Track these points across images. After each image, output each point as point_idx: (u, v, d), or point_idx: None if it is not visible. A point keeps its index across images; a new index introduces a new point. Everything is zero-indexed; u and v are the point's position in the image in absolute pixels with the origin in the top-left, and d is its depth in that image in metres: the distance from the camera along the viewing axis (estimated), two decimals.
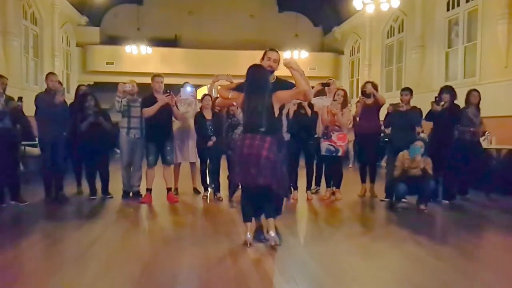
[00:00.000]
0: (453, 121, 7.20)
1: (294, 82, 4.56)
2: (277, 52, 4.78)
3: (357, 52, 18.04)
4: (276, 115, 4.49)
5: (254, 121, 4.42)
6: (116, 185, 7.55)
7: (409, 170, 6.57)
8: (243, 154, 4.42)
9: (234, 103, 4.90)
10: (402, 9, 13.26)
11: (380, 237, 5.18)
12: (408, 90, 7.24)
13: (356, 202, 7.37)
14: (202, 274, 3.87)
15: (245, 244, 4.53)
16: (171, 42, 19.45)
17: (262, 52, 4.74)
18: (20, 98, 6.79)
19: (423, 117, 7.31)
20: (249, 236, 4.57)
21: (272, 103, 4.43)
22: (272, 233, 4.49)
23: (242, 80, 4.65)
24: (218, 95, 4.96)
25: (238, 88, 4.69)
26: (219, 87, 5.17)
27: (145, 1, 19.97)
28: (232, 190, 6.71)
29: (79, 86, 8.32)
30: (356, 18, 16.79)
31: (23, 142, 8.32)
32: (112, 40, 18.90)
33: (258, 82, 4.45)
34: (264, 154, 4.33)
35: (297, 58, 17.43)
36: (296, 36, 18.65)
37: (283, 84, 4.70)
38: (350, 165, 12.11)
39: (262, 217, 4.82)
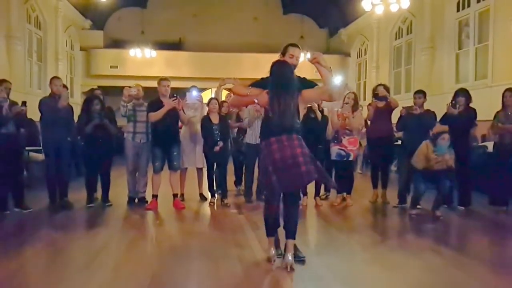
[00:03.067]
0: (469, 124, 7.01)
1: (313, 81, 4.23)
2: (299, 48, 4.32)
3: (364, 54, 17.87)
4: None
5: (285, 123, 3.92)
6: (121, 191, 7.41)
7: (433, 164, 6.20)
8: (275, 160, 3.88)
9: (256, 100, 4.20)
10: (411, 10, 13.08)
11: (397, 246, 5.00)
12: (421, 93, 7.06)
13: (368, 209, 7.19)
14: (212, 284, 3.74)
15: (268, 261, 4.12)
16: (176, 45, 19.36)
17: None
18: (24, 103, 6.68)
19: (437, 120, 7.11)
20: (273, 252, 4.14)
21: (298, 104, 4.02)
22: (290, 257, 3.97)
23: (256, 79, 4.30)
24: (232, 94, 4.45)
25: (255, 85, 4.25)
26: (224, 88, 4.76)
27: (149, 4, 19.93)
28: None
29: (93, 90, 8.17)
30: (363, 19, 16.64)
31: (27, 148, 8.21)
32: (116, 43, 18.83)
33: (288, 79, 4.00)
34: (299, 151, 3.87)
35: (302, 60, 17.25)
36: (302, 38, 18.49)
37: (307, 82, 4.22)
38: (359, 171, 11.87)
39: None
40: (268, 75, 4.12)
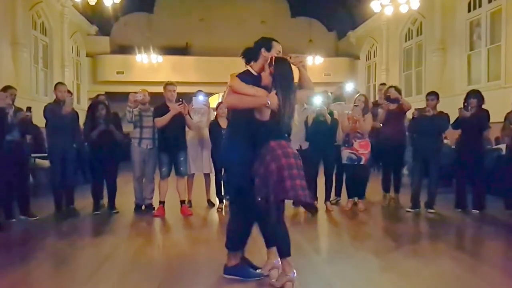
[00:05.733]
0: (482, 126, 6.84)
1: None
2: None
3: (374, 57, 17.75)
4: None
5: (289, 125, 3.73)
6: (128, 198, 7.32)
7: None
8: (283, 166, 3.50)
9: (269, 102, 3.59)
10: (421, 11, 12.94)
11: (412, 252, 4.82)
12: (434, 95, 6.88)
13: (380, 214, 7.06)
14: None
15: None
16: (182, 50, 19.31)
17: None
18: (28, 108, 6.61)
19: (450, 123, 6.93)
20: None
21: None
22: (294, 274, 3.61)
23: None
24: (232, 91, 3.83)
25: (246, 82, 3.76)
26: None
27: (156, 10, 19.90)
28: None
29: (98, 95, 8.09)
30: (372, 21, 16.52)
31: (33, 154, 8.13)
32: (122, 49, 18.78)
33: (293, 79, 3.71)
34: (293, 161, 3.56)
35: (311, 64, 17.17)
36: (310, 42, 18.37)
37: None
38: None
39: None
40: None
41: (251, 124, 3.68)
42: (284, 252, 3.63)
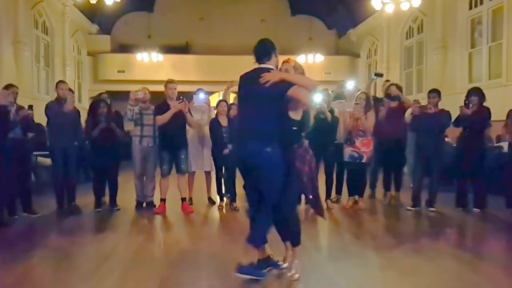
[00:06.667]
0: (483, 123, 6.83)
1: None
2: None
3: (374, 55, 17.71)
4: None
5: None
6: (129, 196, 7.34)
7: None
8: (311, 168, 4.03)
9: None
10: (421, 9, 12.91)
11: (412, 250, 4.82)
12: (436, 92, 6.87)
13: (381, 212, 7.06)
14: None
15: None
16: (183, 49, 19.33)
17: None
18: (30, 107, 6.62)
19: (451, 121, 6.92)
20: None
21: None
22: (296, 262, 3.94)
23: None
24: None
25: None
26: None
27: (156, 9, 19.91)
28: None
29: (100, 94, 8.10)
30: (372, 19, 16.49)
31: (35, 152, 8.15)
32: (123, 48, 18.81)
33: None
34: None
35: (311, 62, 17.15)
36: (310, 40, 18.36)
37: None
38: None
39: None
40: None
41: (284, 122, 3.82)
42: (297, 241, 3.92)
